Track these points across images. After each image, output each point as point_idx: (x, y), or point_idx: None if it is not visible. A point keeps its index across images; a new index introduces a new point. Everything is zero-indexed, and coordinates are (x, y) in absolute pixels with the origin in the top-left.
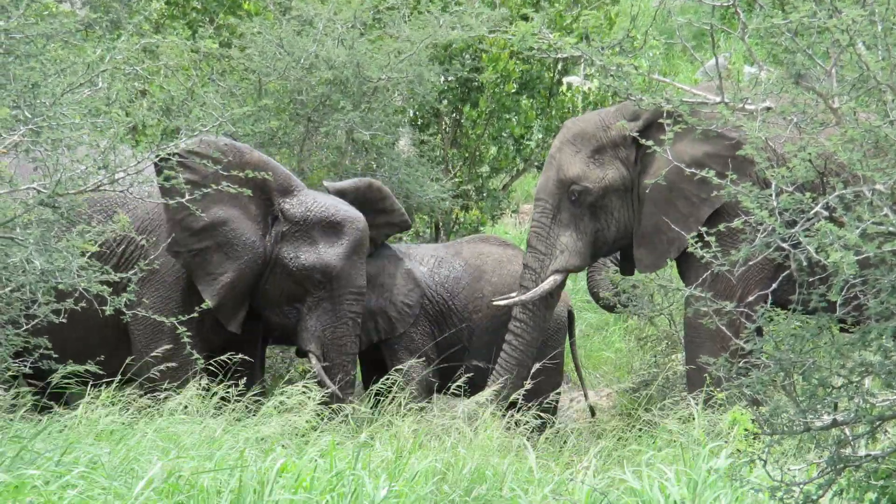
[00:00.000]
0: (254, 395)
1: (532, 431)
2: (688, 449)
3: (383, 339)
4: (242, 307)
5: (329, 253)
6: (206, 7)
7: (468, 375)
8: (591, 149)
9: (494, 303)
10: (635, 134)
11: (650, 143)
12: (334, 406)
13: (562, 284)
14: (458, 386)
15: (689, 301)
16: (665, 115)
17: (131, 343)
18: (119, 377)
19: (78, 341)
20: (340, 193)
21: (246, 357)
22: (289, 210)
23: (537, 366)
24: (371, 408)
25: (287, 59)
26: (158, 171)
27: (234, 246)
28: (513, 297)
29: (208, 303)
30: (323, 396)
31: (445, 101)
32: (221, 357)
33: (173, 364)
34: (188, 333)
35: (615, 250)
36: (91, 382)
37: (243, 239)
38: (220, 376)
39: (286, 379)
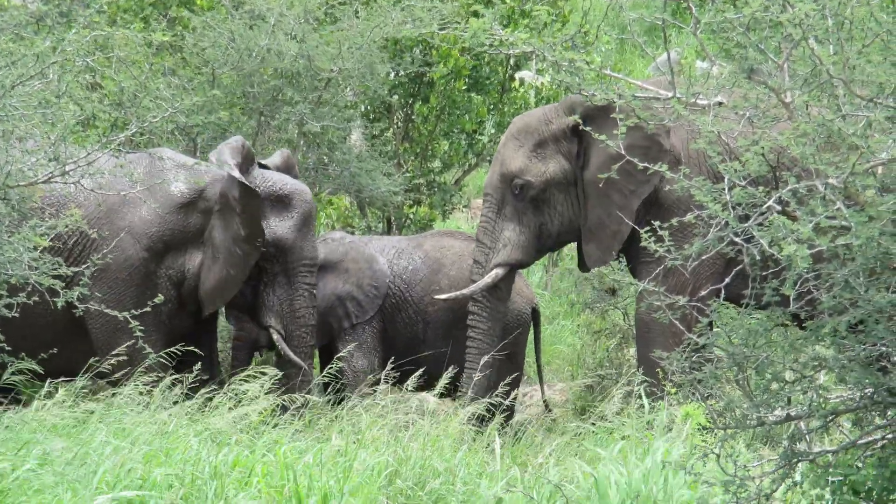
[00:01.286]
0: (210, 389)
1: (481, 423)
2: (640, 443)
3: (354, 325)
4: None
5: (280, 226)
6: (161, 1)
7: (422, 368)
8: (533, 143)
9: (436, 298)
10: (583, 124)
11: (592, 131)
12: (289, 395)
13: (507, 278)
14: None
15: (640, 296)
16: (617, 109)
17: (91, 340)
18: (80, 375)
19: (31, 336)
20: (281, 168)
21: (196, 350)
22: None
23: (485, 358)
24: (324, 400)
25: (241, 51)
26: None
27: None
28: (457, 293)
29: (160, 297)
30: (274, 379)
31: (396, 96)
32: (176, 348)
33: (132, 359)
34: (140, 328)
35: (561, 245)
36: (48, 379)
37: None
38: (177, 368)
39: (243, 374)
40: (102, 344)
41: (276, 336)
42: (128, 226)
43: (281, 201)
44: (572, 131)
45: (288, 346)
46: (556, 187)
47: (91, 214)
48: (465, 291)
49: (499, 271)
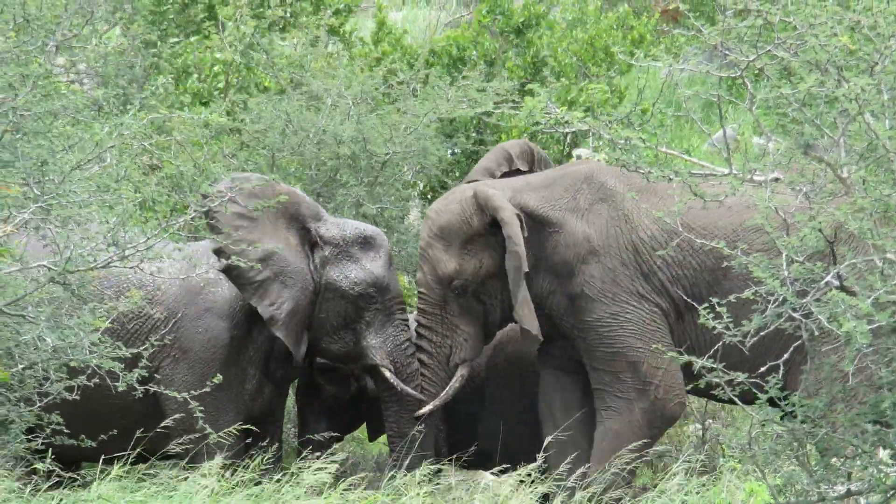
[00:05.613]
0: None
1: (545, 500)
2: None
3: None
4: (304, 337)
5: (375, 266)
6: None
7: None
8: (460, 241)
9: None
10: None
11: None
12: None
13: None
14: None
15: None
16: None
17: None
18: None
19: (90, 418)
20: None
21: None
22: (326, 234)
23: (549, 439)
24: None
25: (301, 135)
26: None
27: (288, 275)
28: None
29: (218, 377)
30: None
31: (451, 174)
32: (247, 426)
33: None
34: (202, 409)
35: (503, 328)
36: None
37: (293, 267)
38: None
39: (302, 456)
40: (182, 425)
41: (386, 373)
42: (211, 305)
43: (367, 242)
44: (491, 224)
45: (402, 381)
46: (492, 279)
47: (160, 297)
48: (442, 397)
49: (464, 371)
